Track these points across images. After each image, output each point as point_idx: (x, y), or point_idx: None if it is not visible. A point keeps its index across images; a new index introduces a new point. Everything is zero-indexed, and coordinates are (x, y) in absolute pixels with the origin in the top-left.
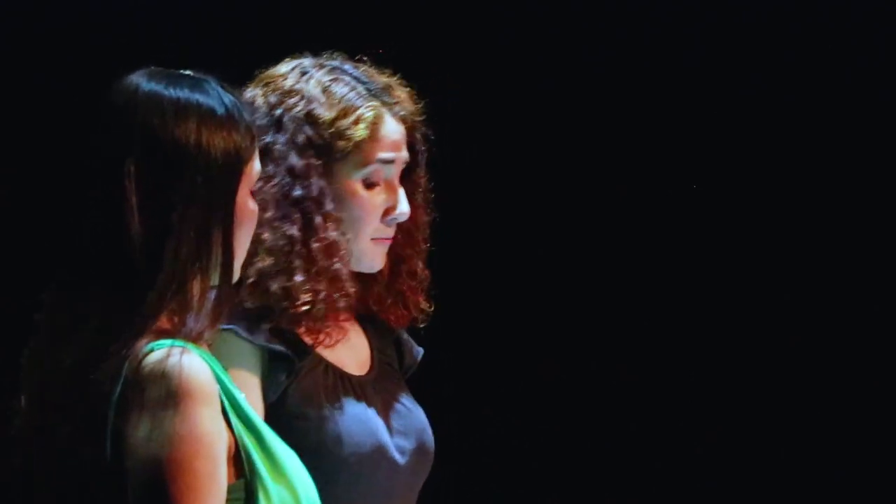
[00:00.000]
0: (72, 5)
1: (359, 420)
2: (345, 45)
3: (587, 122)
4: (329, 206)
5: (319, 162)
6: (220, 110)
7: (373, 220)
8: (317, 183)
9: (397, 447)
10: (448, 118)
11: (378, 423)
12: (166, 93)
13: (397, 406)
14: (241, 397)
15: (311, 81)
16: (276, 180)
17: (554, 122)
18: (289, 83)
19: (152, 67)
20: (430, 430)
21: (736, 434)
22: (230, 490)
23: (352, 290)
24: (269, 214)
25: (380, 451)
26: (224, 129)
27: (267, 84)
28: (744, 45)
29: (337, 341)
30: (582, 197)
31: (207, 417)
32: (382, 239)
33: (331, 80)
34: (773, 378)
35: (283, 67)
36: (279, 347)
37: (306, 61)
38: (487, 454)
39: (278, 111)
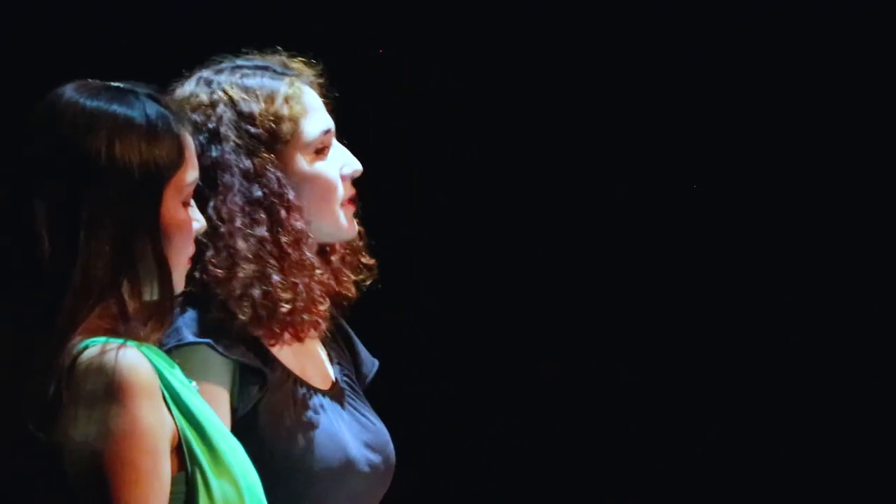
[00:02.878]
0: (72, 5)
1: (328, 434)
2: (341, 44)
3: (587, 121)
4: (291, 195)
5: (271, 154)
6: (140, 121)
7: (338, 186)
8: (274, 175)
9: (367, 461)
10: (449, 118)
11: (347, 437)
12: (80, 104)
13: (363, 421)
14: (183, 390)
15: (222, 86)
16: (234, 188)
17: (554, 122)
18: (203, 98)
19: (83, 80)
20: (391, 445)
21: (736, 434)
22: (171, 483)
23: (324, 277)
24: (237, 223)
25: (349, 465)
26: (143, 141)
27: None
28: (744, 45)
29: (316, 331)
30: (582, 197)
31: (147, 410)
32: (349, 201)
33: (239, 77)
34: (773, 378)
35: (186, 88)
36: (253, 362)
37: (202, 73)
38: (487, 454)
39: (211, 125)
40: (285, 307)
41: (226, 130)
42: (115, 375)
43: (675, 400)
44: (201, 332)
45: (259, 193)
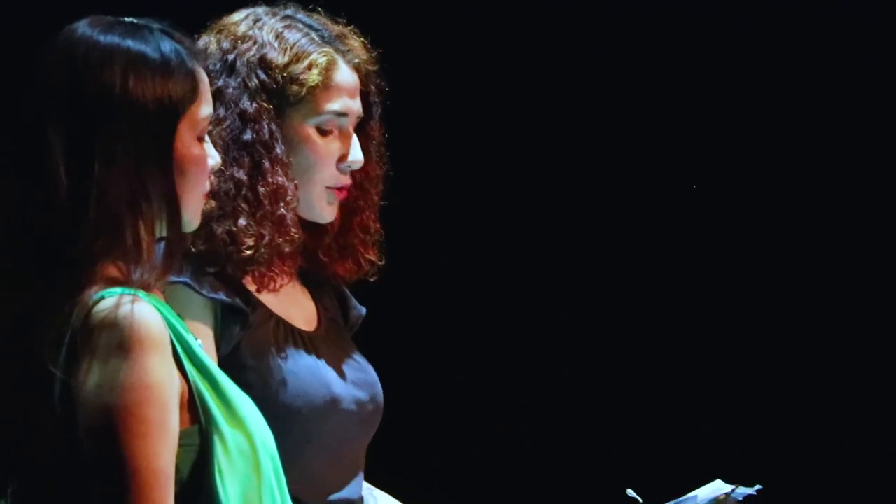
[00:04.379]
0: (73, 5)
1: (311, 372)
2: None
3: (586, 122)
4: (279, 150)
5: (271, 106)
6: (154, 56)
7: (326, 167)
8: (268, 126)
9: (353, 399)
10: (451, 119)
11: (331, 375)
12: (94, 39)
13: (349, 360)
14: (195, 344)
15: (264, 28)
16: (226, 124)
17: (552, 122)
18: (242, 29)
19: (97, 16)
20: (380, 385)
21: (736, 434)
22: (184, 435)
23: (297, 235)
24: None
25: (332, 404)
26: (157, 76)
27: (220, 31)
28: (743, 44)
29: (282, 286)
30: (581, 196)
31: (158, 365)
32: (335, 189)
33: (284, 27)
34: (772, 378)
35: (237, 15)
36: (233, 300)
37: (259, 9)
38: (488, 453)
39: (231, 56)
40: (246, 252)
41: (241, 66)
42: (128, 331)
43: (675, 400)
44: (181, 271)
45: (248, 137)
